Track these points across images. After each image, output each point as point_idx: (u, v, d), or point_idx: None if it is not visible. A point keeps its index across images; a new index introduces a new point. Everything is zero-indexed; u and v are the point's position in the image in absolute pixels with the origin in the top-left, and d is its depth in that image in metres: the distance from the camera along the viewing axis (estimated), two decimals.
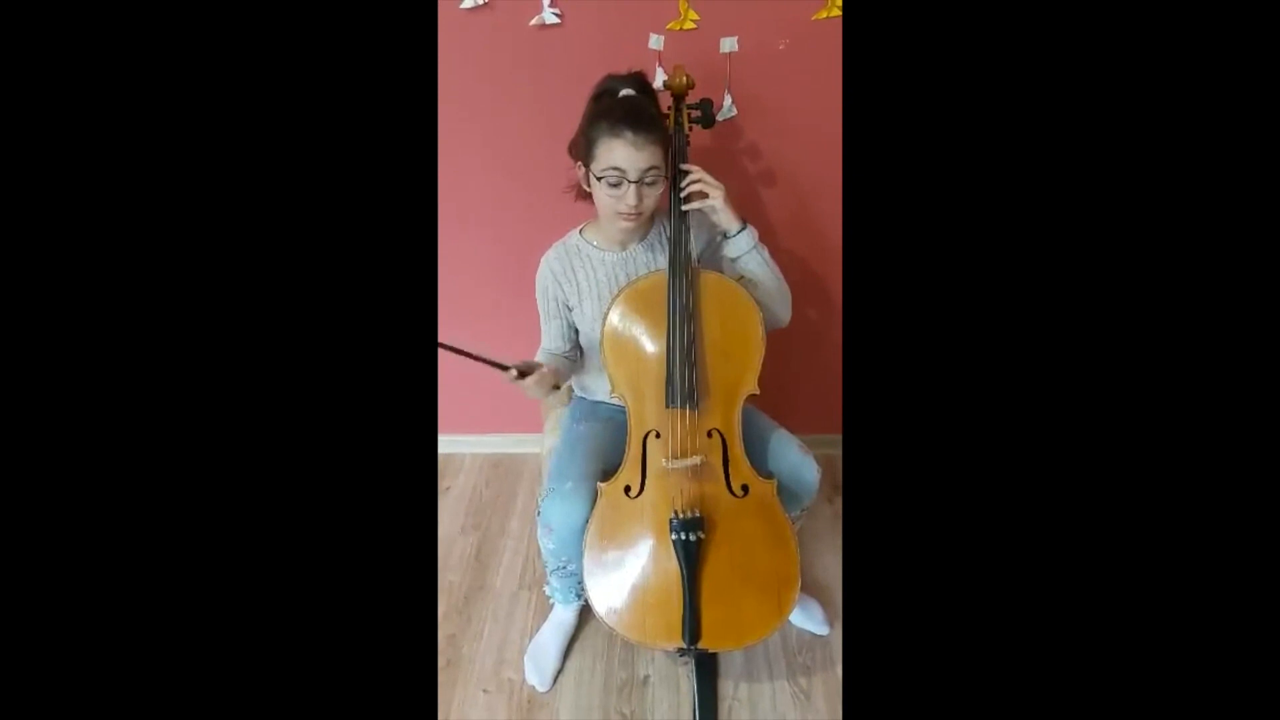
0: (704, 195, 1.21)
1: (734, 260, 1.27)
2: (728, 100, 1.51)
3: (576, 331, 1.38)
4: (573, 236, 1.36)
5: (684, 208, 1.22)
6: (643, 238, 1.33)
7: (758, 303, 1.23)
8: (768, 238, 1.67)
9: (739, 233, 1.24)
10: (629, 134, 1.13)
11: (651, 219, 1.33)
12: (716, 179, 1.22)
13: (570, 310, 1.35)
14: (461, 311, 1.81)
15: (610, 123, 1.15)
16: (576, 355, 1.41)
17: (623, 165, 1.15)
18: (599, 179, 1.18)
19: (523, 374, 1.19)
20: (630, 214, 1.19)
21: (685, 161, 1.24)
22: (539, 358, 1.38)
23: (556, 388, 1.29)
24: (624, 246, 1.33)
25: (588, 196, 1.26)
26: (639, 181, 1.16)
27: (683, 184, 1.22)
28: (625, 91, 1.22)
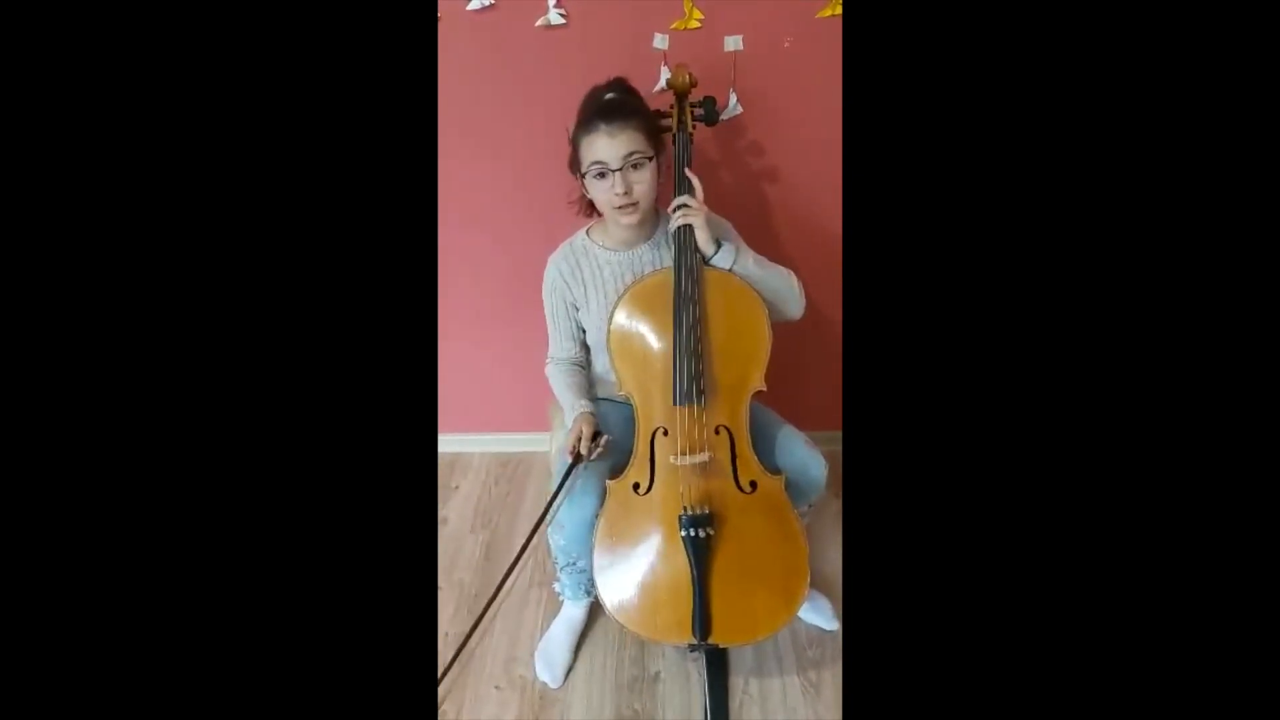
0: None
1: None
2: (733, 98, 1.51)
3: (584, 332, 1.39)
4: (579, 237, 1.37)
5: (673, 225, 1.23)
6: (649, 237, 1.34)
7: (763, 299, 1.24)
8: (771, 235, 1.68)
9: (714, 255, 1.24)
10: (602, 125, 1.19)
11: (657, 218, 1.34)
12: (718, 178, 1.23)
13: (577, 310, 1.36)
14: (466, 315, 1.83)
15: (587, 123, 1.21)
16: (586, 358, 1.43)
17: (602, 156, 1.19)
18: (585, 174, 1.23)
19: (585, 449, 1.25)
20: (625, 204, 1.22)
21: (690, 158, 1.25)
22: (550, 369, 1.41)
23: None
24: (630, 246, 1.33)
25: (593, 208, 1.30)
26: (622, 168, 1.19)
27: (672, 206, 1.24)
28: (605, 97, 1.25)
